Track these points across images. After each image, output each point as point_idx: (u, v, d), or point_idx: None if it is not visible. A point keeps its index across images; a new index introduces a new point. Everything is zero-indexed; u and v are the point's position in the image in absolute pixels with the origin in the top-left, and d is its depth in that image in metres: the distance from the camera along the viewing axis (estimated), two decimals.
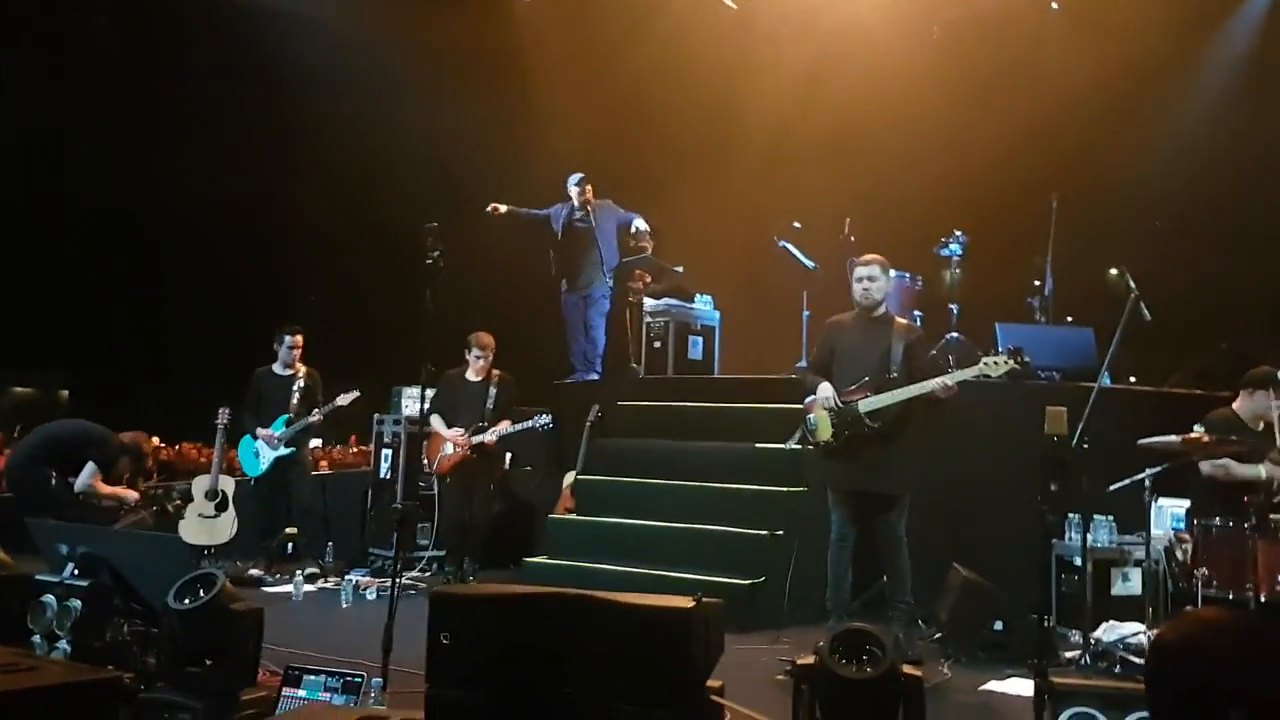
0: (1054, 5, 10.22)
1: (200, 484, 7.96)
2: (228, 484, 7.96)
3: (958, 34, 10.47)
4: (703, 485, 7.37)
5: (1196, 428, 5.60)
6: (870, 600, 6.18)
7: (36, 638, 4.40)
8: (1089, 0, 10.03)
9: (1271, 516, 5.23)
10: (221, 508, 7.85)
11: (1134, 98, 9.69)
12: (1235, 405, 5.96)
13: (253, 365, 8.31)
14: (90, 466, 7.44)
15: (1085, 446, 5.39)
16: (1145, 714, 2.93)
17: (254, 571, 7.68)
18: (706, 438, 7.87)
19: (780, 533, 6.81)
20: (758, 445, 7.41)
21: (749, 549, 6.83)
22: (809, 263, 9.04)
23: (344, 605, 6.93)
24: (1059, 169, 9.36)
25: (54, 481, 7.29)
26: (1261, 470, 5.55)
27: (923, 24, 10.54)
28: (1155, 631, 2.03)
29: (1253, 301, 8.84)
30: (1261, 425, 5.78)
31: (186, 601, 4.06)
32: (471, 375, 7.78)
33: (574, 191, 9.27)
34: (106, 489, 7.46)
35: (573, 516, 7.83)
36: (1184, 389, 7.72)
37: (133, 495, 7.51)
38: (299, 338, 8.21)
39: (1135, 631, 5.49)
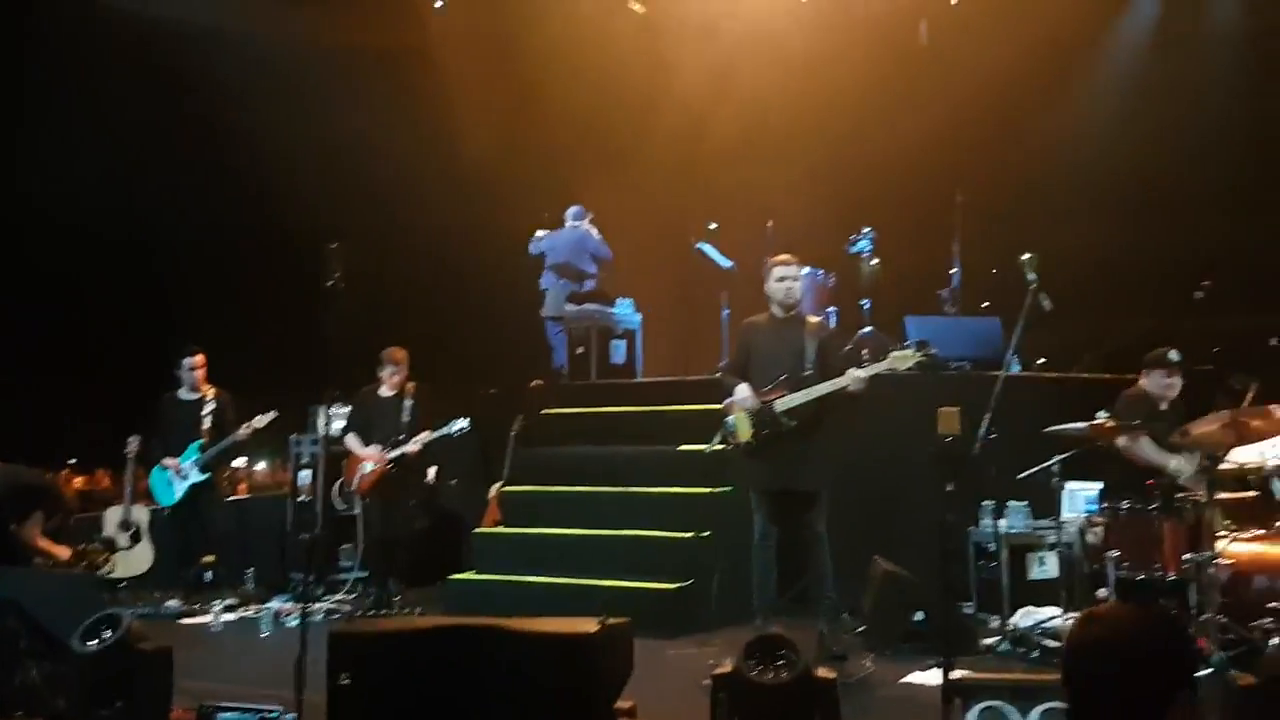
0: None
1: (113, 515, 7.73)
2: (142, 514, 7.74)
3: (865, 31, 10.57)
4: (629, 490, 7.35)
5: (1100, 414, 5.72)
6: (797, 596, 6.24)
7: None
8: None
9: (1176, 496, 5.38)
10: (136, 539, 7.64)
11: (1042, 80, 9.73)
12: (1141, 384, 6.04)
13: (155, 388, 8.02)
14: (38, 515, 6.88)
15: (993, 436, 5.49)
16: (1053, 705, 2.99)
17: (172, 603, 7.47)
18: (631, 442, 7.85)
19: (706, 534, 6.83)
20: (681, 448, 7.42)
21: (676, 552, 6.84)
22: (726, 262, 9.07)
23: (264, 634, 6.78)
24: (969, 157, 9.43)
25: (12, 528, 6.71)
26: (1171, 462, 5.56)
27: (830, 23, 10.60)
28: (1069, 630, 2.12)
29: (1166, 276, 8.97)
30: (1164, 405, 5.91)
31: (92, 643, 3.96)
32: (385, 390, 7.66)
33: None
34: (44, 543, 6.93)
35: (500, 529, 7.77)
36: (1095, 370, 7.90)
37: (65, 552, 7.00)
38: (199, 358, 7.92)
39: (1052, 616, 5.61)
